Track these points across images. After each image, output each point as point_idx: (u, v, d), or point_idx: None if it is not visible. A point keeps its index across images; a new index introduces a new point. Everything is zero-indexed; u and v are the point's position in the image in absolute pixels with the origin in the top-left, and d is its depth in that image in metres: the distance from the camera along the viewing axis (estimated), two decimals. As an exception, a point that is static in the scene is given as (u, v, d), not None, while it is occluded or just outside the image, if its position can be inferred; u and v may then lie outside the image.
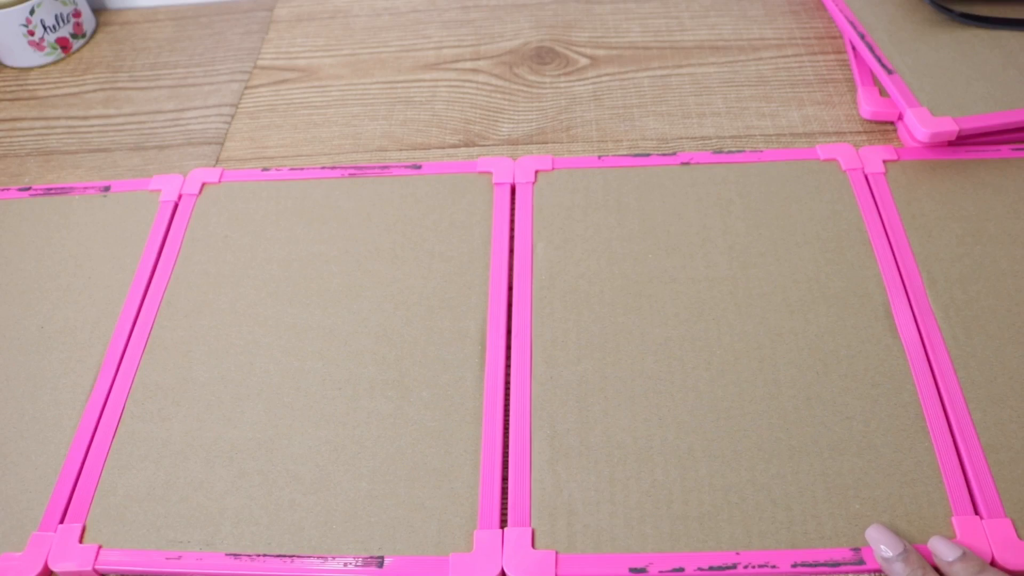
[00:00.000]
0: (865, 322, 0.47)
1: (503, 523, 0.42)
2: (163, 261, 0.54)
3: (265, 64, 0.70)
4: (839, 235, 0.52)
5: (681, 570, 0.39)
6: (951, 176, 0.54)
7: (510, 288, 0.51)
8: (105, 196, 0.59)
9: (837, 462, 0.42)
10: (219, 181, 0.58)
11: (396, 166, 0.58)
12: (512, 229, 0.54)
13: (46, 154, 0.64)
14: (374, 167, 0.58)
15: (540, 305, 0.50)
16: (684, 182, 0.55)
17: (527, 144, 0.60)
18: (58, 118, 0.67)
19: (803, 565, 0.39)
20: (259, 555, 0.41)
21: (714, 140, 0.59)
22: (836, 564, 0.39)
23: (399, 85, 0.66)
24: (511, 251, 0.53)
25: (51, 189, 0.59)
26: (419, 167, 0.58)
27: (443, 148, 0.61)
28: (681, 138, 0.60)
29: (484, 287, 0.51)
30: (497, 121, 0.63)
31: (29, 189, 0.60)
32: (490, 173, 0.57)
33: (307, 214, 0.56)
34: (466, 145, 0.61)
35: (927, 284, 0.49)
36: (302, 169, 0.59)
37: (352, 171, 0.58)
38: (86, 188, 0.59)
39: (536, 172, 0.57)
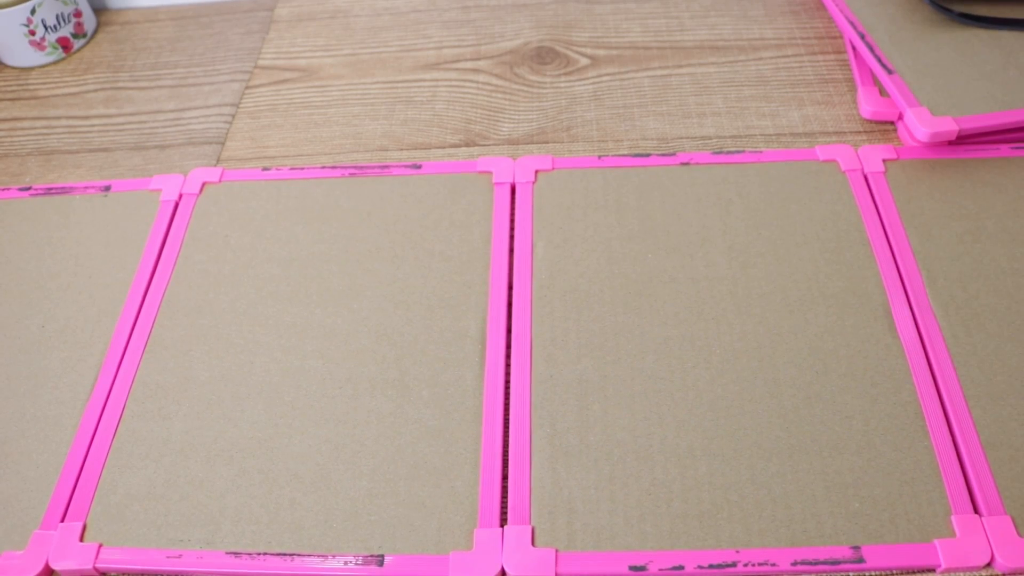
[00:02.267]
0: (864, 321, 0.47)
1: (503, 521, 0.42)
2: (163, 260, 0.54)
3: (266, 64, 0.70)
4: (838, 235, 0.52)
5: (681, 568, 0.39)
6: (951, 175, 0.54)
7: (510, 288, 0.51)
8: (106, 196, 0.59)
9: (836, 461, 0.42)
10: (219, 181, 0.58)
11: (396, 166, 0.58)
12: (512, 229, 0.54)
13: (47, 154, 0.64)
14: (374, 167, 0.58)
15: (540, 304, 0.50)
16: (684, 182, 0.55)
17: (528, 144, 0.60)
18: (59, 118, 0.67)
19: (803, 563, 0.39)
20: (259, 553, 0.41)
21: (714, 140, 0.59)
22: (836, 562, 0.39)
23: (400, 85, 0.66)
24: (511, 251, 0.53)
25: (52, 189, 0.60)
26: (419, 167, 0.58)
27: (443, 148, 0.61)
28: (681, 138, 0.60)
29: (484, 287, 0.51)
30: (497, 121, 0.63)
31: (30, 189, 0.60)
32: (490, 173, 0.57)
33: (307, 214, 0.56)
34: (466, 145, 0.61)
35: (927, 283, 0.49)
36: (302, 169, 0.59)
37: (352, 171, 0.58)
38: (87, 188, 0.59)
39: (536, 172, 0.57)
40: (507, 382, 0.47)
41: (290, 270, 0.53)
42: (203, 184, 0.58)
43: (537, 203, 0.55)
